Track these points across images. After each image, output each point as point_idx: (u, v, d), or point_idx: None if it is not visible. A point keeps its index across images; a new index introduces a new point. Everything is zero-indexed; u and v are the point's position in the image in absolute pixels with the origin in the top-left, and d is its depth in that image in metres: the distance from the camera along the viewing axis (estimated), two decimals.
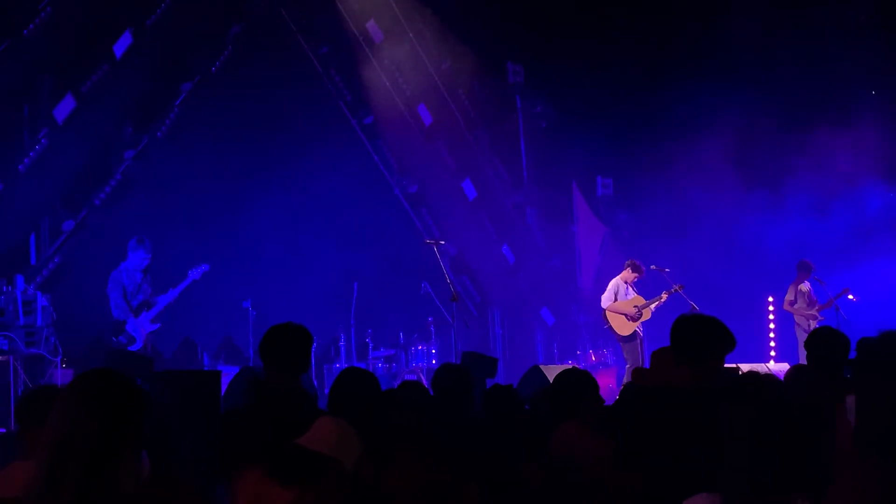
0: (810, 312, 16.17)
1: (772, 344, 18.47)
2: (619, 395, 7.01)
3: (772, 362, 16.63)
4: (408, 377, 14.85)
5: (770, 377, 3.66)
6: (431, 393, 6.16)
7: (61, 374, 12.44)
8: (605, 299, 15.00)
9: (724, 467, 3.37)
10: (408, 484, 4.34)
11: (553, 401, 5.90)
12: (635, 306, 14.82)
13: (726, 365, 10.58)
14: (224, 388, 9.97)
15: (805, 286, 16.39)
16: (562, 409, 5.75)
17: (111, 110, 15.34)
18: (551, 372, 13.43)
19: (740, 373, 4.36)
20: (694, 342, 5.15)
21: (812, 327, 16.00)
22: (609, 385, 15.79)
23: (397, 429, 4.49)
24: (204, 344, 15.91)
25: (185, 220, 15.77)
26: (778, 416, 3.34)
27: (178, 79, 16.43)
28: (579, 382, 5.96)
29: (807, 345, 6.30)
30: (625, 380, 14.52)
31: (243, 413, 5.51)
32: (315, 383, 12.72)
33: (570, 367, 6.61)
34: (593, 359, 17.08)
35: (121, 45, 15.47)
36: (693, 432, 4.76)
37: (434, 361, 16.27)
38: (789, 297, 16.46)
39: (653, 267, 15.29)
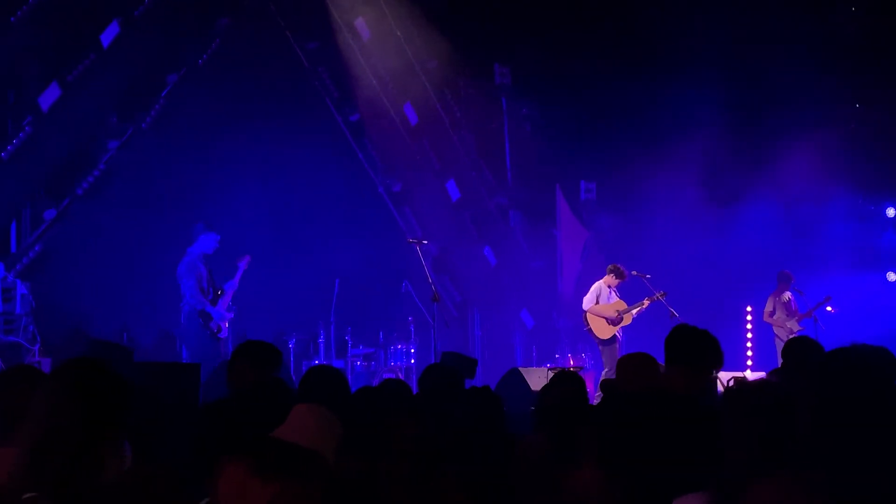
0: (789, 324, 16.25)
1: (749, 353, 18.55)
2: (601, 400, 7.02)
3: (748, 371, 16.71)
4: (386, 376, 14.84)
5: (775, 385, 3.77)
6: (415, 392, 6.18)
7: (38, 363, 12.39)
8: (587, 301, 15.04)
9: (723, 468, 3.50)
10: (397, 481, 4.35)
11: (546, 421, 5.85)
12: (617, 310, 14.88)
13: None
14: (203, 380, 9.96)
15: (786, 296, 16.47)
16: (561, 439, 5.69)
17: (96, 100, 15.28)
18: (530, 374, 13.46)
19: (735, 381, 4.40)
20: (695, 352, 5.20)
21: (789, 338, 16.10)
22: (588, 389, 15.82)
23: (385, 424, 4.49)
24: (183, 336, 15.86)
25: (168, 212, 15.73)
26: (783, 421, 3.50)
27: (164, 70, 16.38)
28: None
29: (783, 354, 6.34)
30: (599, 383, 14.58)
31: (222, 405, 5.51)
32: (294, 378, 12.70)
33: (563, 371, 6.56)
34: (571, 363, 17.12)
35: (108, 35, 15.43)
36: (684, 437, 4.80)
37: (413, 361, 16.27)
38: (768, 307, 16.54)
39: (634, 273, 15.33)
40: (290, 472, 3.61)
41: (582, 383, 6.09)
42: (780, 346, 15.81)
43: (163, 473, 3.46)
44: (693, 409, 4.98)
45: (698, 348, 5.25)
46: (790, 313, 16.36)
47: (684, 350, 5.28)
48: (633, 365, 5.87)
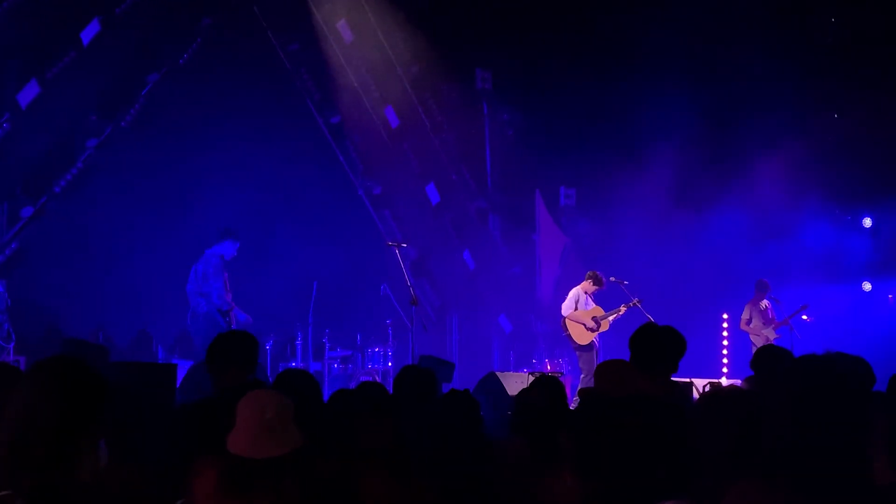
0: (765, 332, 16.33)
1: (724, 360, 18.62)
2: (579, 406, 7.03)
3: (724, 378, 16.77)
4: (363, 378, 14.82)
5: (748, 392, 3.81)
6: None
7: (12, 362, 12.32)
8: (566, 307, 15.06)
9: (698, 475, 3.52)
10: (376, 484, 4.34)
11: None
12: (594, 317, 14.91)
13: (683, 379, 10.66)
14: (179, 381, 9.93)
15: (763, 304, 16.54)
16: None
17: (76, 98, 15.21)
18: (507, 379, 13.47)
19: (708, 387, 4.44)
20: (654, 352, 5.21)
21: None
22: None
23: (361, 427, 4.49)
24: (160, 337, 15.81)
25: (146, 212, 15.68)
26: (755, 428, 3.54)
27: (145, 69, 16.32)
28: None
29: (752, 364, 6.37)
30: (579, 388, 14.61)
31: (199, 406, 5.49)
32: (271, 380, 12.68)
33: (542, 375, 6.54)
34: (549, 367, 17.13)
35: (88, 33, 15.37)
36: (662, 442, 4.81)
37: (390, 364, 16.24)
38: (745, 315, 16.61)
39: (612, 279, 15.38)
40: (264, 479, 3.59)
41: (562, 388, 6.11)
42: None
43: (138, 473, 3.45)
44: (670, 413, 4.99)
45: (656, 348, 5.25)
46: (767, 321, 16.43)
47: (643, 351, 5.29)
48: (611, 371, 5.89)
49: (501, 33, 18.39)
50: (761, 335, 16.32)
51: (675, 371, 5.36)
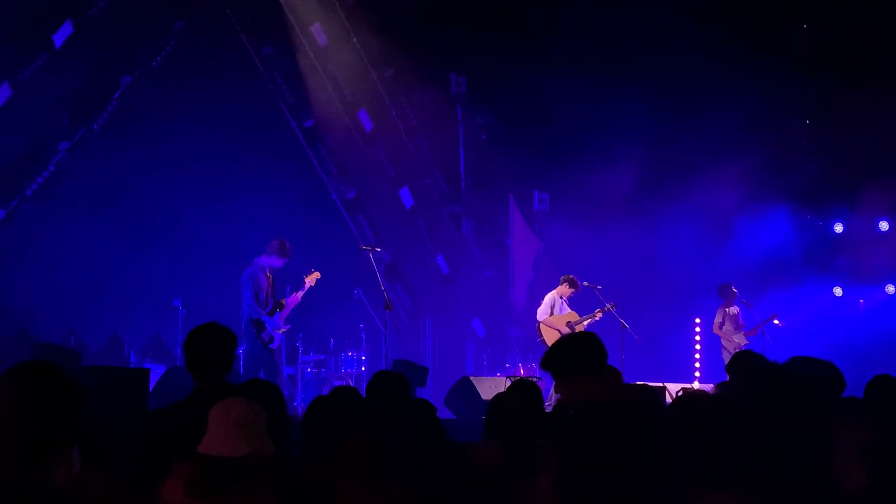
0: (737, 337, 16.41)
1: (697, 365, 18.70)
2: (552, 412, 7.03)
3: (696, 383, 16.85)
4: (337, 383, 14.79)
5: (720, 398, 3.84)
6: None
7: None
8: (541, 312, 15.07)
9: (670, 481, 3.54)
10: (352, 489, 4.34)
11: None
12: (569, 322, 14.93)
13: (656, 384, 10.70)
14: (152, 386, 9.89)
15: (734, 310, 16.62)
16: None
17: (48, 100, 15.16)
18: (480, 383, 13.50)
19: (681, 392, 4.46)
20: (575, 358, 5.23)
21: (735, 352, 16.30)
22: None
23: (340, 431, 4.48)
24: (131, 341, 15.74)
25: (119, 215, 15.62)
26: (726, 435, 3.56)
27: (118, 71, 16.26)
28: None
29: (728, 368, 6.40)
30: (551, 393, 14.64)
31: (171, 411, 5.47)
32: None
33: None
34: (522, 372, 17.15)
35: (61, 35, 15.30)
36: (636, 447, 4.84)
37: (364, 368, 16.22)
38: (718, 319, 16.69)
39: (586, 284, 15.40)
40: (233, 482, 3.58)
41: (539, 392, 6.13)
42: (727, 358, 15.99)
43: (112, 479, 3.43)
44: (643, 419, 5.02)
45: (573, 354, 5.26)
46: (738, 327, 16.51)
47: (564, 361, 5.30)
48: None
49: (476, 38, 18.40)
50: (732, 340, 16.41)
51: (595, 375, 5.34)
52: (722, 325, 16.57)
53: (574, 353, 5.26)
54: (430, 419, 5.64)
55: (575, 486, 4.91)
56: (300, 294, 12.99)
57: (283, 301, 12.88)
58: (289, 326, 12.99)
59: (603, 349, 5.30)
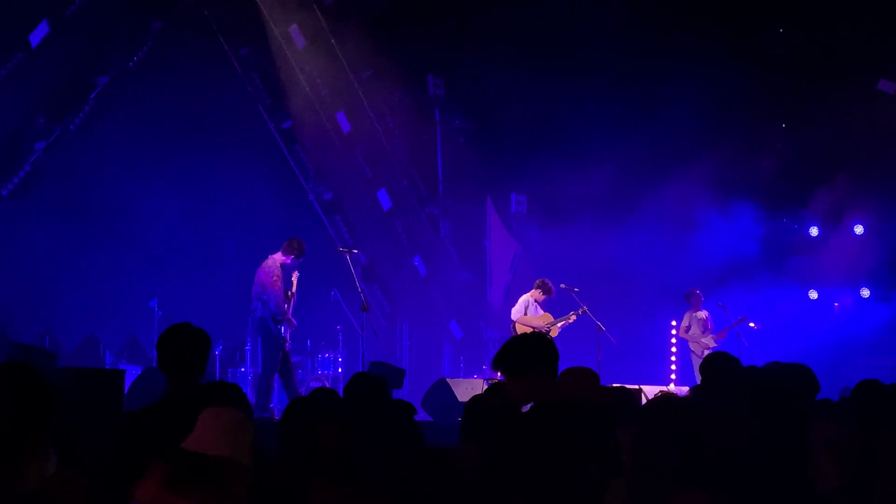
0: (704, 340, 16.50)
1: (673, 367, 18.76)
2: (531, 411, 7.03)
3: (672, 385, 16.91)
4: (313, 385, 14.77)
5: (693, 402, 3.87)
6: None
7: None
8: (515, 312, 15.11)
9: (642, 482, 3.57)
10: (327, 491, 4.34)
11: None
12: (544, 323, 14.95)
13: (632, 386, 10.72)
14: (127, 387, 9.85)
15: (702, 314, 16.70)
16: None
17: (24, 100, 15.09)
18: (457, 385, 13.50)
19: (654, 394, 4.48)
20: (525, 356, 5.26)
21: (706, 354, 16.38)
22: None
23: (314, 434, 4.48)
24: (107, 342, 15.68)
25: (95, 215, 15.55)
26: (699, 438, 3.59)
27: (94, 71, 16.19)
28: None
29: (701, 370, 6.41)
30: None
31: (146, 413, 5.45)
32: None
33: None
34: (499, 374, 17.15)
35: (37, 35, 15.23)
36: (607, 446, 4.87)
37: (340, 370, 16.21)
38: (685, 323, 16.79)
39: (563, 286, 15.43)
40: (206, 484, 3.58)
41: None
42: (695, 361, 16.22)
43: (86, 480, 3.42)
44: (611, 419, 5.05)
45: (524, 353, 5.29)
46: (705, 330, 16.59)
47: (514, 360, 5.33)
48: (573, 378, 5.88)
49: (454, 40, 18.41)
50: (700, 343, 16.51)
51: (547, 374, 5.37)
52: (688, 329, 16.69)
53: (524, 351, 5.28)
54: (407, 421, 5.64)
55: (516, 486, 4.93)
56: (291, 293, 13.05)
57: (289, 293, 12.94)
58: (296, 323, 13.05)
59: (554, 349, 5.33)
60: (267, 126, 18.27)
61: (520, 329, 15.02)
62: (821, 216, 19.42)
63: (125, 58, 16.43)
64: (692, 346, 16.68)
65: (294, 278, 12.99)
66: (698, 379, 15.76)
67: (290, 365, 12.92)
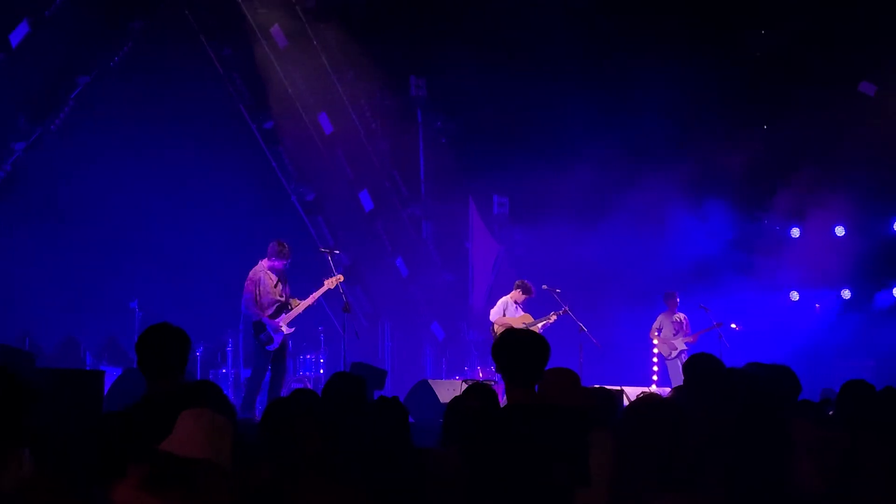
0: (674, 342, 16.54)
1: (655, 368, 18.77)
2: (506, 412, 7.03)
3: (654, 386, 16.94)
4: (295, 385, 14.74)
5: (666, 400, 3.86)
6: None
7: None
8: (494, 313, 15.11)
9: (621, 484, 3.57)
10: (308, 492, 4.33)
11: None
12: (524, 323, 14.94)
13: (614, 387, 10.72)
14: (107, 388, 9.80)
15: (678, 316, 16.73)
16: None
17: (4, 100, 15.06)
18: (439, 387, 13.48)
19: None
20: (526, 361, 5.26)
21: (672, 356, 16.46)
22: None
23: (297, 434, 4.47)
24: (87, 343, 15.62)
25: (76, 216, 15.49)
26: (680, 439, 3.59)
27: (75, 71, 16.13)
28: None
29: (684, 370, 6.40)
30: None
31: (125, 414, 5.41)
32: None
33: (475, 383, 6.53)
34: (481, 375, 17.15)
35: (17, 35, 15.16)
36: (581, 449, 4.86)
37: (322, 371, 16.18)
38: (656, 325, 16.83)
39: (545, 287, 15.43)
40: (185, 485, 3.56)
41: (495, 395, 6.13)
42: (669, 365, 16.26)
43: (63, 482, 3.39)
44: (585, 424, 5.05)
45: (526, 357, 5.30)
46: (678, 332, 16.62)
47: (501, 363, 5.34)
48: (554, 380, 5.87)
49: (436, 41, 18.40)
50: (668, 344, 16.57)
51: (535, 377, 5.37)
52: (660, 330, 16.72)
53: (539, 361, 5.29)
54: (392, 420, 5.63)
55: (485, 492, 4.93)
56: (316, 295, 13.01)
57: (294, 302, 12.85)
58: (292, 328, 12.93)
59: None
60: (249, 127, 18.22)
61: (498, 330, 15.02)
62: (802, 217, 19.47)
63: (106, 58, 16.37)
64: (660, 347, 16.73)
65: (327, 284, 12.95)
66: (672, 381, 15.84)
67: (283, 367, 12.87)
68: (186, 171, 16.43)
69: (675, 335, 16.61)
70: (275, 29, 18.07)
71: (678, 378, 16.25)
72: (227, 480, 3.92)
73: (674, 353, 16.57)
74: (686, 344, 16.54)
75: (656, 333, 16.80)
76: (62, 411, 7.71)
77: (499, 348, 5.36)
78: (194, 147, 16.36)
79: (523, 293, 15.14)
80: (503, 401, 5.55)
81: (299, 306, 12.85)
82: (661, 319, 16.84)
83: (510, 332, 5.59)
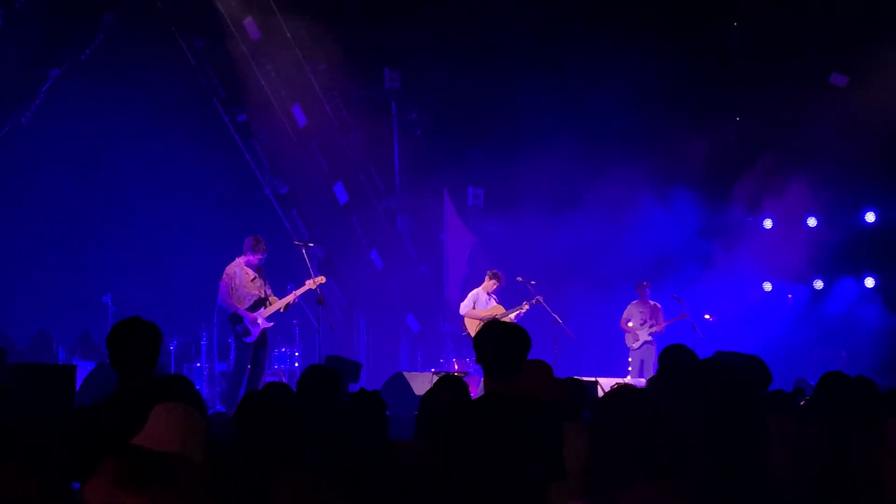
0: (639, 332, 16.59)
1: (630, 359, 18.81)
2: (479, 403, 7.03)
3: (629, 377, 16.98)
4: (269, 379, 14.71)
5: (647, 393, 3.88)
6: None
7: None
8: (464, 306, 15.15)
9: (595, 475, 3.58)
10: (281, 486, 4.32)
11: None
12: (494, 315, 14.94)
13: (589, 378, 10.75)
14: (79, 383, 9.74)
15: (647, 306, 16.74)
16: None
17: None
18: (414, 379, 13.48)
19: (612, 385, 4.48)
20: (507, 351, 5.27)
21: (635, 346, 16.52)
22: (472, 394, 15.87)
23: (270, 428, 4.47)
24: (60, 337, 15.54)
25: (46, 210, 15.41)
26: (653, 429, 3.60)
27: (46, 64, 16.02)
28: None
29: (658, 361, 6.43)
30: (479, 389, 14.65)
31: (95, 410, 5.38)
32: None
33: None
34: (456, 367, 17.16)
35: None
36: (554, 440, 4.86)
37: (297, 364, 16.17)
38: (625, 315, 16.88)
39: (519, 279, 15.45)
40: (159, 481, 3.54)
41: (466, 387, 6.12)
42: (631, 353, 16.33)
43: (33, 478, 3.37)
44: (558, 417, 5.06)
45: (507, 347, 5.32)
46: (645, 322, 16.66)
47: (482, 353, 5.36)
48: (527, 371, 5.88)
49: (410, 33, 18.37)
50: (633, 334, 16.64)
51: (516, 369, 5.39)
52: (628, 320, 16.78)
53: (522, 350, 5.30)
54: (369, 413, 5.62)
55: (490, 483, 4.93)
56: (296, 294, 13.05)
57: (272, 299, 12.84)
58: (271, 323, 12.93)
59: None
60: (222, 120, 18.14)
61: (468, 323, 15.06)
62: (775, 209, 19.55)
63: (77, 50, 16.26)
64: (627, 337, 16.78)
65: (308, 284, 13.00)
66: (634, 372, 15.89)
67: (261, 361, 12.88)
68: (159, 164, 16.36)
69: (642, 325, 16.66)
70: (248, 21, 17.98)
71: (638, 370, 16.33)
72: (200, 475, 3.90)
73: (636, 345, 16.62)
74: (652, 335, 16.57)
75: (627, 324, 16.85)
76: (33, 406, 7.67)
77: (481, 339, 5.36)
78: (167, 140, 16.29)
79: (495, 282, 15.20)
80: (475, 393, 5.56)
81: (278, 303, 12.86)
82: (629, 309, 16.89)
83: (492, 323, 5.59)
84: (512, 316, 14.97)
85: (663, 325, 16.62)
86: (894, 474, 4.79)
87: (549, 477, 4.90)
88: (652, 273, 17.97)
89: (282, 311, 13.02)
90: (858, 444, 5.02)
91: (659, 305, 16.86)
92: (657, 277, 17.93)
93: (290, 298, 12.98)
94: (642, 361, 16.55)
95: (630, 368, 16.80)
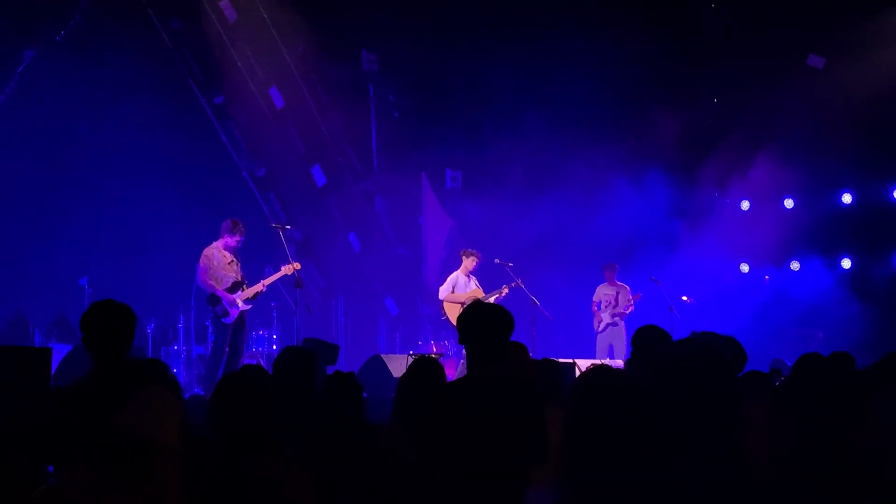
0: (603, 315, 16.62)
1: (597, 342, 18.88)
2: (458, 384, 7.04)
3: (607, 358, 17.02)
4: (247, 361, 14.69)
5: (617, 371, 3.87)
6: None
7: None
8: (443, 290, 15.12)
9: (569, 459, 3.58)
10: (259, 468, 4.33)
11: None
12: (474, 298, 14.93)
13: (566, 360, 10.76)
14: (55, 366, 9.71)
15: (613, 288, 16.73)
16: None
17: None
18: (392, 361, 13.50)
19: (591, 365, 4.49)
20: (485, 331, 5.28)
21: (599, 328, 16.55)
22: (450, 376, 15.89)
23: (246, 412, 4.46)
24: (36, 320, 15.47)
25: (22, 192, 15.32)
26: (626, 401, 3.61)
27: (20, 45, 15.90)
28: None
29: (631, 342, 6.44)
30: (458, 371, 14.70)
31: (72, 391, 5.36)
32: None
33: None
34: (434, 350, 17.18)
35: None
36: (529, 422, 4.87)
37: (275, 347, 16.16)
38: (595, 298, 16.90)
39: (497, 261, 15.45)
40: (137, 466, 3.53)
41: (441, 368, 6.13)
42: (598, 335, 16.36)
43: (8, 462, 3.35)
44: (537, 398, 5.08)
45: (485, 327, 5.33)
46: (609, 304, 16.69)
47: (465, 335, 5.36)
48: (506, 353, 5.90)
49: (387, 14, 18.30)
50: (597, 316, 16.67)
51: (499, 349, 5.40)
52: (598, 304, 16.80)
53: (506, 332, 5.31)
54: (354, 396, 5.62)
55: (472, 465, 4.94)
56: (271, 279, 13.22)
57: (245, 282, 12.88)
58: (249, 306, 12.98)
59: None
60: (198, 101, 18.04)
61: (447, 307, 15.04)
62: (752, 190, 19.61)
63: (52, 31, 16.13)
64: (594, 321, 16.80)
65: (284, 270, 13.14)
66: (597, 355, 15.93)
67: (239, 344, 12.90)
68: (136, 146, 16.28)
69: (606, 307, 16.68)
70: (224, 3, 17.86)
71: (606, 353, 16.34)
72: (176, 458, 3.89)
73: (600, 327, 16.63)
74: (614, 316, 16.57)
75: (596, 307, 16.86)
76: (8, 389, 7.62)
77: (464, 321, 5.36)
78: (143, 122, 16.21)
79: (473, 259, 15.15)
80: (452, 375, 5.58)
81: (253, 287, 12.89)
82: (598, 291, 16.90)
83: (476, 304, 5.59)
84: (492, 299, 14.96)
85: (624, 307, 16.58)
86: (866, 448, 4.81)
87: (533, 459, 4.91)
88: (627, 254, 18.01)
89: (258, 293, 13.05)
90: (834, 424, 5.04)
91: (627, 287, 16.86)
92: (633, 258, 17.97)
93: (265, 283, 13.03)
94: (610, 345, 16.55)
95: (597, 352, 16.79)
